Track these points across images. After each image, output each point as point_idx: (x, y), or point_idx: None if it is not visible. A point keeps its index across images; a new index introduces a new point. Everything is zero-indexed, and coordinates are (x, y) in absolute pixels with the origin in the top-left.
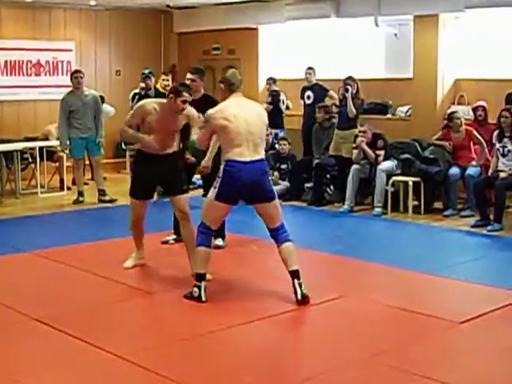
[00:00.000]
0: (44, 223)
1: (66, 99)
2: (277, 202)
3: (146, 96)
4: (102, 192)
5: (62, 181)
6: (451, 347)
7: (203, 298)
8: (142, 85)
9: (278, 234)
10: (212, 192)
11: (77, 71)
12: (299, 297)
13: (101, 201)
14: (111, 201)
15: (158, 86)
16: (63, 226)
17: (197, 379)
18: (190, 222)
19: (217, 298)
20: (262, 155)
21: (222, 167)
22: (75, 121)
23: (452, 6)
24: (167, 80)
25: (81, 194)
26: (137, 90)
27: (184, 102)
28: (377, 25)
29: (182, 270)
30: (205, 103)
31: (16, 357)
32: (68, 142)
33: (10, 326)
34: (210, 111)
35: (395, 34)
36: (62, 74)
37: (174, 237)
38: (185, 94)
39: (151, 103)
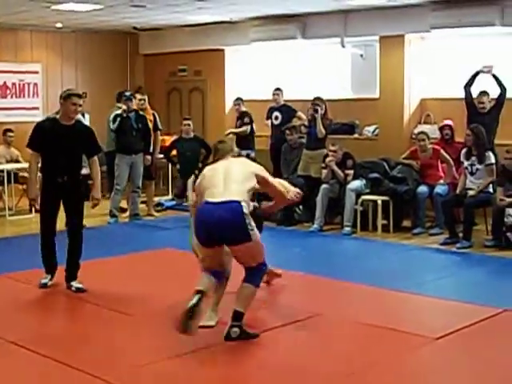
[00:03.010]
0: (15, 246)
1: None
2: (252, 244)
3: (127, 118)
4: None
5: (30, 203)
6: (429, 363)
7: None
8: (124, 107)
9: (246, 270)
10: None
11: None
12: (224, 336)
13: None
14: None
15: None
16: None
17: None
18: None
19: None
20: (238, 197)
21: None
22: None
23: (417, 27)
24: (143, 100)
25: None
26: (118, 112)
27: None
28: (343, 46)
29: (163, 290)
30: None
31: None
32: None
33: None
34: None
35: (361, 55)
36: (29, 97)
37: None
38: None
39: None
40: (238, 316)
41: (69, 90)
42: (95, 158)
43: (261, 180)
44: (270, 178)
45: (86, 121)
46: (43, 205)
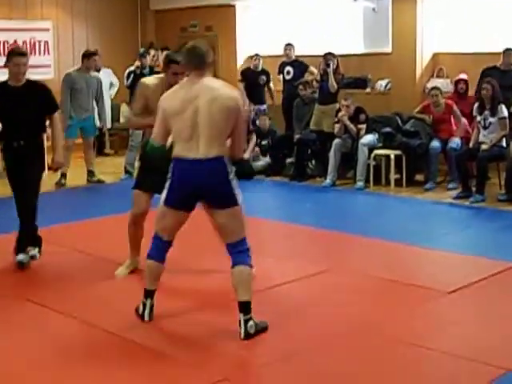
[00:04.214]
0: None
1: (71, 76)
2: (237, 209)
3: (141, 75)
4: (90, 173)
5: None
6: (441, 316)
7: (146, 318)
8: (138, 63)
9: (233, 252)
10: (162, 195)
11: (94, 53)
12: (242, 335)
13: (89, 181)
14: (99, 181)
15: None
16: (49, 207)
17: (189, 353)
18: None
19: (198, 277)
20: (220, 152)
21: (171, 165)
22: (75, 101)
23: None
24: (157, 55)
25: (64, 176)
26: (132, 68)
27: (175, 73)
28: None
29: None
30: None
31: (8, 337)
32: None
33: (1, 307)
34: (164, 94)
35: (373, 9)
36: (40, 54)
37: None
38: (171, 65)
39: (151, 78)
40: (247, 307)
41: (12, 49)
42: (55, 115)
43: (237, 119)
44: (242, 122)
45: (108, 75)
46: (7, 173)
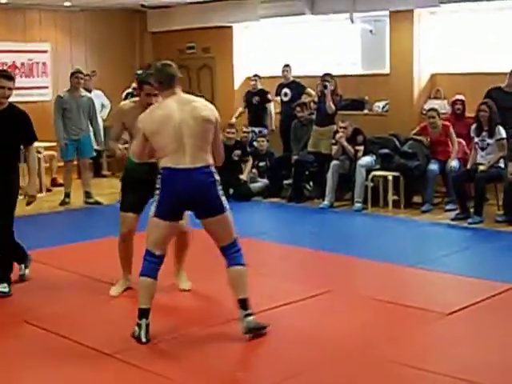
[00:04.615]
0: (26, 225)
1: (62, 98)
2: (226, 215)
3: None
4: (88, 194)
5: (40, 182)
6: (440, 338)
7: (143, 340)
8: (135, 85)
9: (227, 254)
10: (152, 208)
11: (78, 71)
12: (244, 330)
13: (86, 202)
14: (97, 203)
15: None
16: (47, 228)
17: (187, 376)
18: (187, 237)
19: (200, 297)
20: (205, 162)
21: (159, 177)
22: (68, 121)
23: (427, 1)
24: None
25: (68, 195)
26: (129, 90)
27: (148, 94)
28: (352, 21)
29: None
30: None
31: (5, 358)
32: (62, 139)
33: None
34: (141, 116)
35: (370, 31)
36: (38, 76)
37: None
38: (145, 86)
39: (128, 103)
40: (246, 303)
41: None
42: (32, 147)
43: (215, 129)
44: (219, 132)
45: (99, 97)
46: None
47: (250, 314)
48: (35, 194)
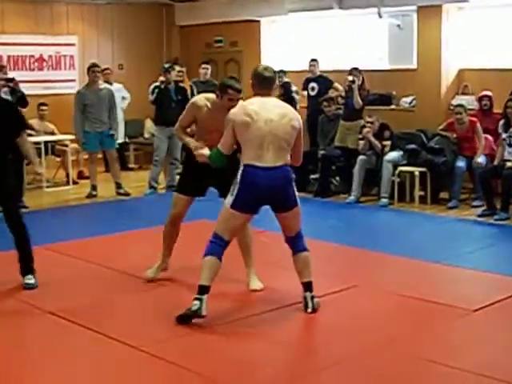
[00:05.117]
0: (53, 218)
1: (82, 93)
2: (298, 209)
3: (166, 90)
4: (118, 185)
5: (67, 175)
6: (466, 335)
7: (203, 313)
8: (162, 78)
9: (294, 243)
10: (228, 199)
11: (94, 65)
12: (309, 310)
13: (118, 193)
14: (127, 194)
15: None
16: (74, 220)
17: (216, 370)
18: (246, 226)
19: (228, 290)
20: (285, 161)
21: (240, 172)
22: (90, 115)
23: None
24: (181, 72)
25: (94, 187)
26: (157, 83)
27: (230, 99)
28: (380, 16)
29: (195, 261)
30: None
31: (30, 349)
32: (82, 136)
33: (23, 319)
34: (233, 109)
35: (398, 25)
36: (65, 69)
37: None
38: (230, 91)
39: (203, 99)
40: (311, 286)
41: None
42: (24, 133)
43: (298, 135)
44: (301, 138)
45: (119, 90)
46: None
47: (315, 296)
48: (40, 170)
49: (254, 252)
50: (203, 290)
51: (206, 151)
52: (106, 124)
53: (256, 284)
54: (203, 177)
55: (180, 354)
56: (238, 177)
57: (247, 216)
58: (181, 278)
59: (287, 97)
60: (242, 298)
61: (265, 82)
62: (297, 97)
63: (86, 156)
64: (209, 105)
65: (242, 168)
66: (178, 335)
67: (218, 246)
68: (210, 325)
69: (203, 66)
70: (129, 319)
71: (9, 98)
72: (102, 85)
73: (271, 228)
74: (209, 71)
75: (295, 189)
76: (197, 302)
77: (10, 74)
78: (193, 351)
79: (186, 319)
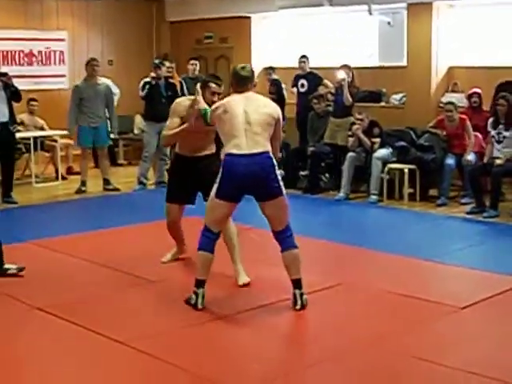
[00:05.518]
0: (42, 213)
1: (79, 87)
2: (283, 199)
3: (157, 85)
4: (106, 181)
5: (56, 170)
6: (454, 332)
7: (199, 306)
8: (153, 74)
9: (282, 238)
10: (213, 189)
11: (93, 59)
12: (298, 307)
13: (105, 189)
14: (115, 189)
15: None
16: (64, 216)
17: (203, 366)
18: (229, 221)
19: (219, 286)
20: (265, 148)
21: (220, 163)
22: (86, 109)
23: None
24: (171, 68)
25: (84, 183)
26: (147, 79)
27: (213, 93)
28: (370, 13)
29: (185, 259)
30: None
31: (18, 345)
32: (76, 130)
33: (11, 315)
34: (213, 105)
35: (388, 23)
36: (55, 64)
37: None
38: (211, 85)
39: (184, 100)
40: (300, 283)
41: None
42: None
43: (276, 125)
44: (280, 130)
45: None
46: None
47: (303, 293)
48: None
49: (241, 249)
50: (198, 283)
51: (203, 105)
52: (101, 119)
53: (243, 279)
54: (187, 181)
55: (167, 350)
56: (221, 166)
57: (231, 204)
58: (170, 275)
59: (278, 95)
60: (230, 294)
61: (241, 81)
62: (285, 93)
63: (76, 152)
64: (191, 103)
65: (223, 158)
66: (166, 331)
67: (208, 240)
68: (200, 321)
69: (191, 61)
70: (117, 315)
71: (2, 92)
72: (100, 80)
73: (260, 225)
74: (197, 67)
75: (279, 177)
76: (193, 296)
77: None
78: (180, 347)
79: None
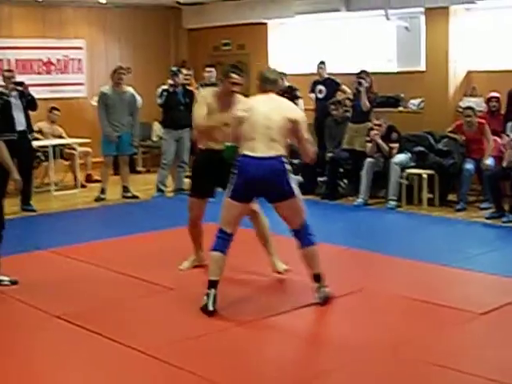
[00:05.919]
0: (60, 221)
1: (104, 94)
2: (295, 200)
3: (174, 93)
4: (125, 189)
5: (75, 178)
6: (473, 338)
7: (210, 308)
8: (170, 82)
9: (300, 236)
10: (228, 190)
11: (120, 67)
12: (320, 300)
13: (124, 197)
14: (134, 197)
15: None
16: (83, 224)
17: (221, 374)
18: (259, 216)
19: (234, 294)
20: (279, 152)
21: (235, 164)
22: (110, 117)
23: None
24: (189, 75)
25: (103, 191)
26: (165, 87)
27: (233, 84)
28: (387, 18)
29: (204, 266)
30: None
31: (37, 354)
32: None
33: (31, 324)
34: (236, 106)
35: (406, 28)
36: (73, 72)
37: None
38: (232, 75)
39: (207, 90)
40: (320, 277)
41: None
42: None
43: (297, 129)
44: (304, 132)
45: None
46: None
47: (324, 286)
48: (18, 177)
49: (261, 255)
50: (211, 284)
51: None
52: (125, 127)
53: (282, 266)
54: (212, 177)
55: (184, 358)
56: (235, 168)
57: (243, 205)
58: (188, 283)
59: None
60: (246, 300)
61: (265, 82)
62: (300, 101)
63: (95, 159)
64: (213, 93)
65: (238, 159)
66: (183, 339)
67: (221, 240)
68: (217, 329)
69: (207, 69)
70: (135, 323)
71: (18, 101)
72: (126, 88)
73: (279, 231)
74: (213, 74)
75: (291, 180)
76: (205, 298)
77: (18, 78)
78: (198, 355)
79: (207, 312)
